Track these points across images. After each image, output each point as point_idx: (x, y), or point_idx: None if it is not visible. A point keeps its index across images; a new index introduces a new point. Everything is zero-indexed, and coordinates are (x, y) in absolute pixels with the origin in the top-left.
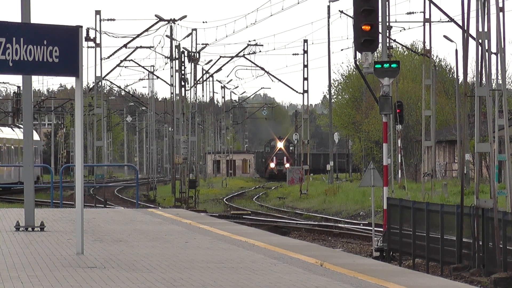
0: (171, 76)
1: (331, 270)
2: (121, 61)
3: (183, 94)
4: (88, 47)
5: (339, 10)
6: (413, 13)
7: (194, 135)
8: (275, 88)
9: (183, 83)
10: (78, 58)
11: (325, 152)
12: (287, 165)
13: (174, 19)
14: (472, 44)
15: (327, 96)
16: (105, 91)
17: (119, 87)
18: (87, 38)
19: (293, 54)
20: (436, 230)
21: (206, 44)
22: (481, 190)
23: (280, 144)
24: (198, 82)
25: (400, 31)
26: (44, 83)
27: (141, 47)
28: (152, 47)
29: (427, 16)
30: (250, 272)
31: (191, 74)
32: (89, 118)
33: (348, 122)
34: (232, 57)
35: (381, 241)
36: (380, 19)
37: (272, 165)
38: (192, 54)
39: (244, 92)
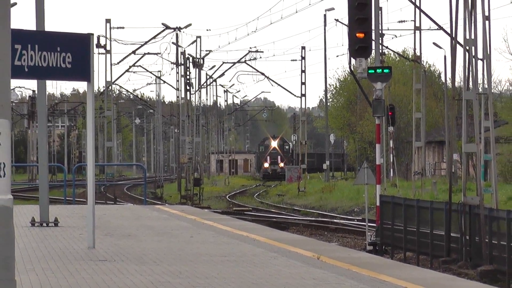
0: (177, 80)
1: (327, 263)
2: (130, 67)
3: (188, 98)
4: (99, 53)
5: (335, 19)
6: (404, 21)
7: (198, 136)
8: (275, 92)
9: (188, 88)
10: (90, 63)
11: (322, 152)
12: (282, 165)
13: (179, 27)
14: (459, 50)
15: (324, 100)
16: (115, 95)
17: (128, 91)
18: (98, 45)
19: (292, 60)
20: (426, 226)
21: (210, 51)
22: (468, 188)
23: (274, 143)
24: (202, 86)
25: (392, 38)
26: (57, 87)
27: (148, 53)
28: (159, 53)
29: (417, 24)
30: (251, 265)
31: (196, 79)
32: (100, 120)
33: (343, 124)
34: (234, 63)
35: (374, 236)
36: (373, 27)
37: (266, 164)
38: (197, 60)
39: (246, 96)
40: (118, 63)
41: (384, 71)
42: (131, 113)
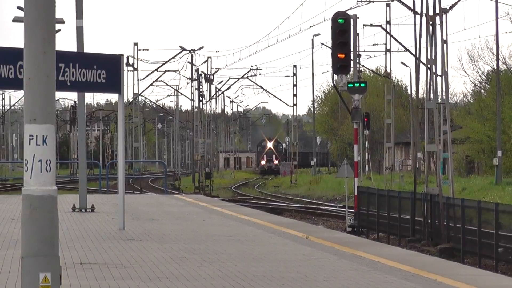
0: (192, 93)
1: (315, 242)
2: (153, 82)
3: (201, 107)
4: (128, 70)
5: (321, 43)
6: (377, 44)
7: (209, 138)
8: (271, 102)
9: (201, 99)
10: (120, 79)
11: (308, 151)
12: (276, 162)
13: (194, 49)
14: (422, 68)
15: (312, 108)
16: (141, 105)
17: (152, 101)
18: (127, 64)
19: (285, 76)
20: (395, 211)
21: (219, 69)
22: (429, 180)
23: (269, 144)
24: (212, 97)
25: (368, 58)
26: (94, 98)
27: (168, 70)
28: (177, 70)
29: (388, 47)
30: (252, 244)
31: (207, 91)
32: (129, 125)
33: (328, 128)
34: (238, 79)
35: (353, 220)
36: (352, 49)
37: (263, 162)
38: (208, 76)
39: (248, 105)
40: (143, 78)
41: (361, 85)
42: (154, 119)
